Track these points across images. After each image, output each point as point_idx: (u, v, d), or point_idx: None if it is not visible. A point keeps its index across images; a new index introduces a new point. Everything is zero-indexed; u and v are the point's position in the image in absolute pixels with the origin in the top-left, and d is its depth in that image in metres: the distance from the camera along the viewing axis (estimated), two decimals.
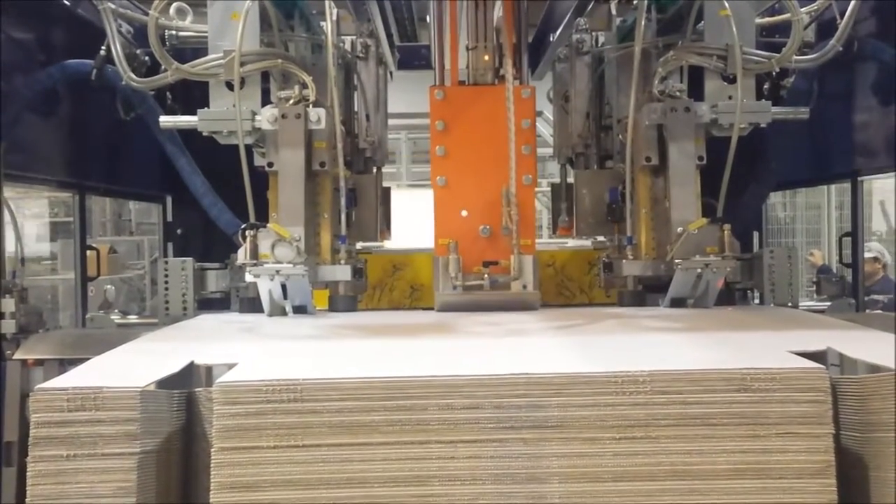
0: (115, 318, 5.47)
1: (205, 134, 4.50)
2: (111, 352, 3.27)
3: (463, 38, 4.91)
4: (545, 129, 12.92)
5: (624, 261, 4.77)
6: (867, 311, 5.99)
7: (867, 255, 9.37)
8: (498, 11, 4.88)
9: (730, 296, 4.89)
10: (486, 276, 4.52)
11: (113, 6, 4.69)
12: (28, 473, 2.58)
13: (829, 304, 5.54)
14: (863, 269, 6.17)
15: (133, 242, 14.37)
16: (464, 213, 4.65)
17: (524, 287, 4.54)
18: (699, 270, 4.29)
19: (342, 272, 4.60)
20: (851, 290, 5.83)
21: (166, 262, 5.03)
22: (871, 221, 10.39)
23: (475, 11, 4.87)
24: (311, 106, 4.42)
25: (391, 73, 6.22)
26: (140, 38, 5.10)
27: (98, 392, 2.59)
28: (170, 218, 6.95)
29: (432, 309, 4.70)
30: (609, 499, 2.55)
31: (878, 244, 10.17)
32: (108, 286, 8.95)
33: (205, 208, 5.30)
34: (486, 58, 4.83)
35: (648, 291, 4.81)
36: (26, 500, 2.58)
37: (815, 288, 6.44)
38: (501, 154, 4.51)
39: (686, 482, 2.56)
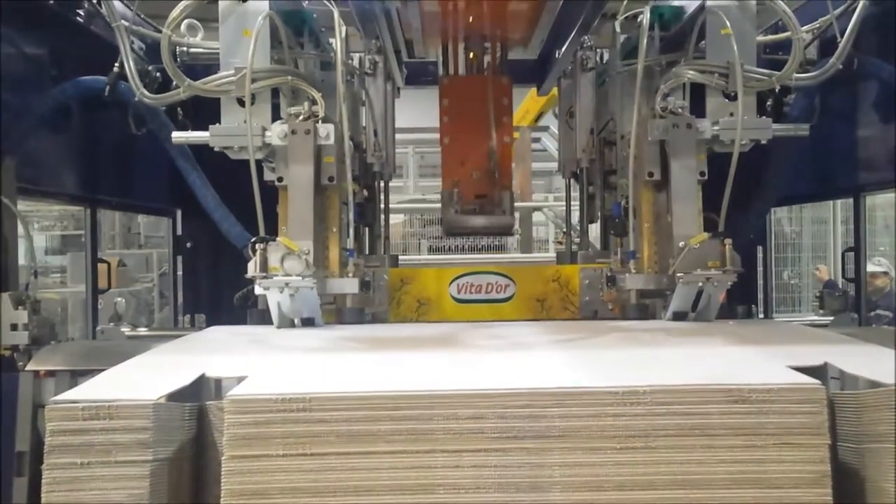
0: (125, 330, 5.53)
1: (216, 149, 4.58)
2: (124, 364, 3.33)
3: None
4: (551, 144, 13.01)
5: (627, 275, 4.83)
6: (873, 325, 6.02)
7: (878, 269, 9.38)
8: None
9: (731, 310, 4.94)
10: (477, 204, 6.11)
11: (126, 23, 4.78)
12: (43, 480, 2.64)
13: (831, 318, 5.58)
14: (866, 283, 6.22)
15: (142, 256, 14.46)
16: (462, 162, 6.12)
17: (503, 213, 6.12)
18: (700, 284, 4.35)
19: (350, 285, 4.67)
20: (854, 305, 5.87)
21: None
22: (876, 236, 10.40)
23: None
24: (320, 121, 4.49)
25: (399, 88, 6.31)
26: (151, 54, 5.19)
27: (112, 402, 2.66)
28: (179, 231, 7.04)
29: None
30: None
31: (884, 259, 10.20)
32: (118, 298, 9.01)
33: (216, 222, 5.37)
34: (472, 55, 6.39)
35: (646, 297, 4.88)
36: None
37: (818, 303, 6.47)
38: (488, 122, 6.03)
39: (685, 491, 2.62)
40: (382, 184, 6.01)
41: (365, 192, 5.61)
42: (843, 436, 2.81)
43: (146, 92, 4.78)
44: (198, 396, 3.00)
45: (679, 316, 4.52)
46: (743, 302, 5.66)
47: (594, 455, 2.64)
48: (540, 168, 14.97)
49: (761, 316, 6.58)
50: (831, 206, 12.64)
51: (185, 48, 5.01)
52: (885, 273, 9.83)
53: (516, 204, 10.95)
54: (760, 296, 7.22)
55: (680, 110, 4.61)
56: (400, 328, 4.95)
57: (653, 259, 4.81)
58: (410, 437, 2.65)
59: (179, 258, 7.08)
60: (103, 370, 3.21)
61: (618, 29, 5.31)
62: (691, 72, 4.64)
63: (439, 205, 6.41)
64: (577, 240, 6.40)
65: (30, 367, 4.00)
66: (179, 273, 7.20)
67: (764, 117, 4.75)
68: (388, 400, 2.69)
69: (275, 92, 4.69)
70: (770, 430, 2.63)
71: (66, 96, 5.16)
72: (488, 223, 6.17)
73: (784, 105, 5.31)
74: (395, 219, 12.43)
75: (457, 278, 5.55)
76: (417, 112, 8.22)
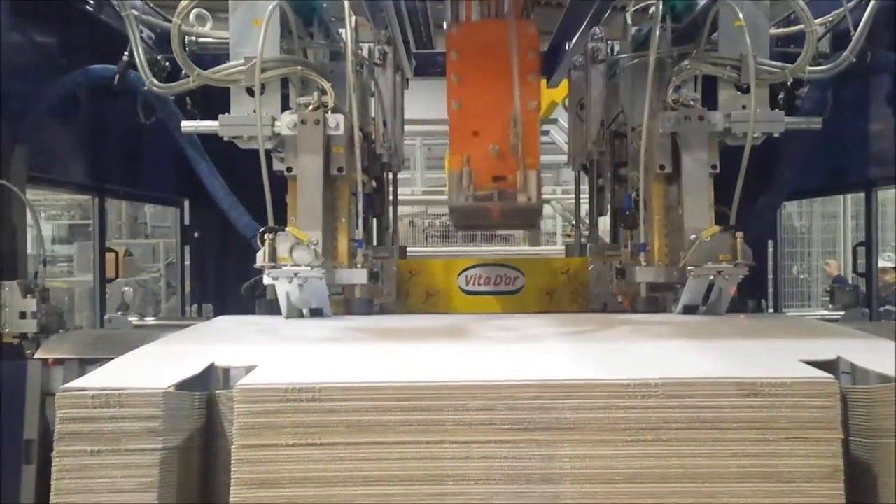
0: (133, 319, 5.53)
1: (225, 139, 4.57)
2: (133, 353, 3.32)
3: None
4: (560, 137, 13.00)
5: (637, 267, 4.81)
6: (882, 321, 5.99)
7: (888, 264, 9.33)
8: None
9: (742, 304, 4.91)
10: (495, 189, 4.89)
11: (136, 13, 4.77)
12: (53, 468, 2.64)
13: (842, 313, 5.55)
14: (877, 278, 6.19)
15: (148, 245, 14.48)
16: (475, 133, 4.99)
17: (528, 199, 4.86)
18: (711, 277, 4.33)
19: (359, 276, 4.66)
20: (865, 300, 5.85)
21: None
22: (885, 232, 10.34)
23: None
24: (329, 112, 4.48)
25: (408, 80, 6.29)
26: (161, 43, 5.18)
27: (122, 390, 2.65)
28: (187, 221, 7.04)
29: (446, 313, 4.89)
30: (621, 500, 2.59)
31: (893, 255, 10.15)
32: (126, 288, 9.02)
33: (224, 211, 5.37)
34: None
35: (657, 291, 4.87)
36: (51, 493, 2.63)
37: (829, 298, 6.46)
38: (509, 81, 4.79)
39: (696, 485, 2.60)
40: (391, 175, 5.99)
41: (373, 183, 5.60)
42: (855, 431, 2.78)
43: (155, 81, 4.77)
44: (206, 386, 3.00)
45: (689, 309, 4.50)
46: (753, 296, 5.65)
47: (605, 447, 2.63)
48: (548, 161, 14.96)
49: (771, 310, 6.56)
50: (841, 201, 12.59)
51: (193, 38, 5.00)
52: (895, 268, 9.77)
53: None
54: (770, 290, 7.20)
55: (692, 102, 4.59)
56: (408, 319, 4.94)
57: (663, 252, 4.79)
58: (420, 427, 2.64)
59: (187, 248, 7.09)
60: (111, 359, 3.20)
61: (629, 20, 5.29)
62: (704, 64, 4.61)
63: (445, 197, 6.00)
64: (586, 232, 6.38)
65: (38, 355, 4.02)
66: (187, 263, 7.21)
67: (777, 110, 4.72)
68: (397, 390, 2.67)
69: (284, 82, 4.68)
70: (782, 423, 2.61)
71: (76, 85, 5.17)
72: (509, 212, 5.03)
73: (796, 98, 5.29)
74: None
75: (465, 270, 5.54)
76: (425, 103, 8.21)
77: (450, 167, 5.13)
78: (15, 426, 3.86)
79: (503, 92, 4.86)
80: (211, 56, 4.91)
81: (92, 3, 5.42)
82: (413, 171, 15.93)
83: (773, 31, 5.13)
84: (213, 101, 4.88)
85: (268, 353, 3.34)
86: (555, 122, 13.22)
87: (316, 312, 4.46)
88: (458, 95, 5.08)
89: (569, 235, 13.51)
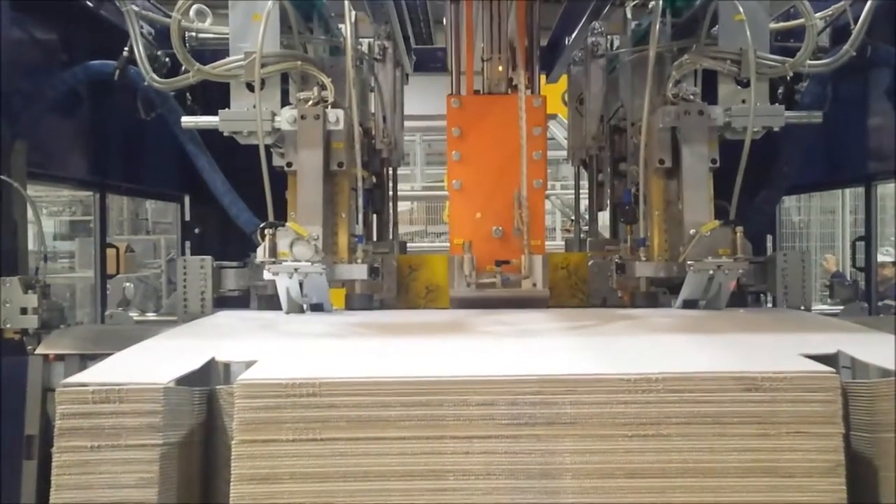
0: (134, 315, 5.53)
1: (225, 134, 4.57)
2: (133, 348, 3.33)
3: (478, 46, 5.28)
4: (559, 132, 12.98)
5: (637, 262, 4.81)
6: (881, 315, 5.99)
7: (887, 259, 9.33)
8: (511, 24, 5.14)
9: (742, 298, 4.92)
10: (498, 274, 4.83)
11: (136, 8, 4.77)
12: (53, 464, 2.64)
13: (841, 307, 5.56)
14: (876, 273, 6.19)
15: (149, 241, 14.49)
16: (477, 214, 4.99)
17: (534, 285, 4.84)
18: (711, 272, 4.33)
19: (359, 271, 4.66)
20: (864, 295, 5.85)
21: (184, 260, 5.01)
22: (885, 226, 10.34)
23: (490, 24, 5.18)
24: (329, 107, 4.48)
25: (407, 75, 6.28)
26: (161, 39, 5.17)
27: (123, 386, 2.65)
28: (187, 217, 7.03)
29: (446, 308, 4.87)
30: (621, 495, 2.60)
31: (892, 249, 10.14)
32: (127, 283, 9.04)
33: (225, 207, 5.37)
34: (500, 69, 5.15)
35: (657, 286, 4.86)
36: (51, 489, 2.64)
37: (828, 292, 6.46)
38: (513, 159, 4.79)
39: (697, 479, 2.60)
40: (391, 170, 5.99)
41: (373, 179, 5.59)
42: (855, 425, 2.79)
43: (156, 76, 4.77)
44: (207, 381, 3.00)
45: (689, 304, 4.51)
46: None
47: (605, 442, 2.63)
48: (548, 156, 14.94)
49: (770, 305, 6.55)
50: (840, 196, 12.60)
51: (193, 33, 4.99)
52: (894, 263, 9.77)
53: None
54: None
55: (692, 97, 4.59)
56: (408, 314, 4.94)
57: (663, 247, 4.79)
58: (420, 423, 2.64)
59: (188, 244, 7.08)
60: (112, 354, 3.20)
61: (628, 15, 5.28)
62: (703, 58, 4.61)
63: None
64: (586, 227, 6.38)
65: (39, 350, 4.02)
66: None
67: (776, 104, 4.72)
68: (398, 386, 2.67)
69: (284, 77, 4.68)
70: (783, 418, 2.61)
71: (76, 81, 5.16)
72: (514, 301, 4.77)
73: (796, 92, 5.28)
74: None
75: None
76: (425, 99, 8.20)
77: (451, 249, 5.05)
78: (16, 422, 3.86)
79: (508, 170, 4.83)
80: (210, 52, 4.90)
81: None
82: (413, 167, 15.92)
83: (773, 25, 5.12)
84: (213, 96, 4.88)
85: (268, 348, 3.34)
86: (554, 117, 13.20)
87: (316, 308, 4.46)
88: (460, 174, 5.02)
89: (568, 230, 13.51)
